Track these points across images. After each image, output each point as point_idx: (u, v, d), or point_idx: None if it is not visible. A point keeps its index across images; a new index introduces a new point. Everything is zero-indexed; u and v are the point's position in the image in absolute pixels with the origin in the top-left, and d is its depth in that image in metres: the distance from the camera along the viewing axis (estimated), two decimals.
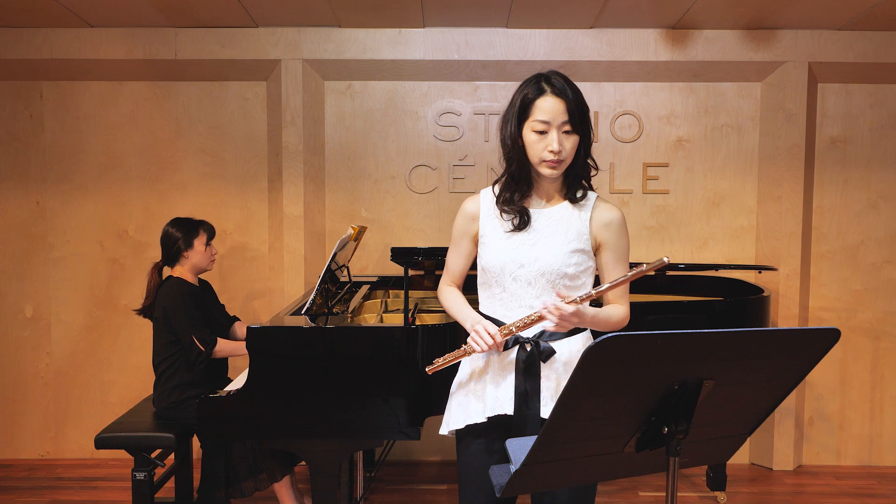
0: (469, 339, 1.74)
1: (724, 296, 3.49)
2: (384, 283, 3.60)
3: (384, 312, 3.02)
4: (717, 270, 3.52)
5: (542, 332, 1.77)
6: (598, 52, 3.61)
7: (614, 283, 1.64)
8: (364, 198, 3.85)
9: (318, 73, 3.74)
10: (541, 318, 1.66)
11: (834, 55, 3.59)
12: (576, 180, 1.80)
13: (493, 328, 1.70)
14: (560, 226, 1.77)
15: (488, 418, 1.76)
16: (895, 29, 3.53)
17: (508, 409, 1.74)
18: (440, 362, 1.80)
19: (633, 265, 1.70)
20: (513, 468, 1.33)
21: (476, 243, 1.86)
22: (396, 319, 2.92)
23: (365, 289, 3.37)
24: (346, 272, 3.30)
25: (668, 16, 3.43)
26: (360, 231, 3.25)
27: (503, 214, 1.80)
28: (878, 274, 3.84)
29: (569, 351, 1.77)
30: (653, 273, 1.58)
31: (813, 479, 3.70)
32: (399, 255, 2.63)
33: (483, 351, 1.71)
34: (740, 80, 3.76)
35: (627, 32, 3.60)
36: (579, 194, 1.79)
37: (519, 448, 1.35)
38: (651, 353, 1.18)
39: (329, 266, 2.72)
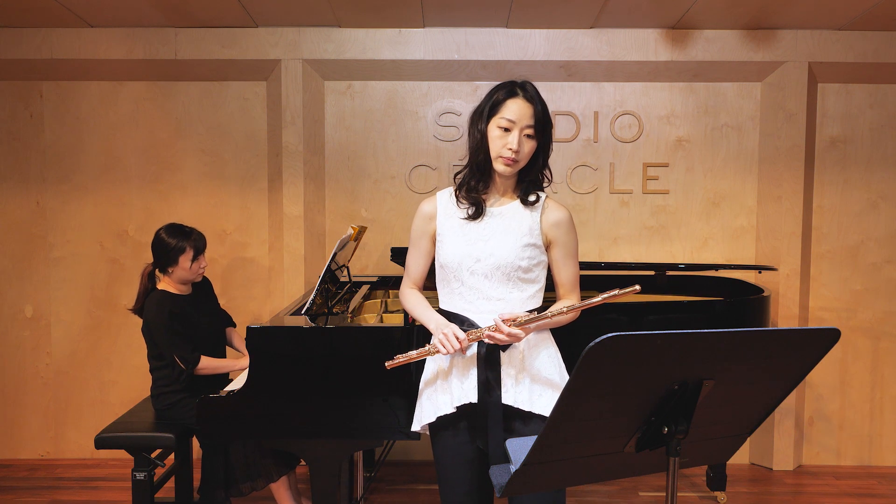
0: (435, 341, 1.81)
1: (724, 296, 3.49)
2: (384, 283, 3.60)
3: (384, 312, 3.02)
4: (717, 270, 3.52)
5: None
6: (598, 52, 3.61)
7: (573, 307, 1.75)
8: (364, 198, 3.85)
9: (318, 73, 3.74)
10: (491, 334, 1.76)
11: (834, 55, 3.59)
12: (530, 185, 1.91)
13: (462, 334, 1.78)
14: (513, 222, 1.88)
15: (456, 408, 1.84)
16: (895, 29, 3.54)
17: (474, 398, 1.83)
18: (402, 359, 1.85)
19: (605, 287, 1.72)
20: (513, 468, 1.33)
21: (434, 242, 1.95)
22: (396, 319, 2.91)
23: (365, 289, 3.37)
24: (346, 272, 3.30)
25: (668, 16, 3.44)
26: (360, 231, 3.25)
27: (459, 203, 1.91)
28: (878, 274, 3.84)
29: (526, 340, 1.86)
30: (617, 300, 1.66)
31: (813, 479, 3.70)
32: (399, 255, 2.63)
33: (447, 354, 1.79)
34: (740, 80, 3.76)
35: (627, 32, 3.60)
36: (532, 198, 1.90)
37: (519, 448, 1.35)
38: (651, 353, 1.18)
39: (329, 266, 2.72)
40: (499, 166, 1.84)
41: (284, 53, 3.63)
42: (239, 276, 3.88)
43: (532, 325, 1.77)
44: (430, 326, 1.89)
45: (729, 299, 3.12)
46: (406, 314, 2.57)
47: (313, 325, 2.44)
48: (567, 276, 1.93)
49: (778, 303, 3.72)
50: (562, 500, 1.87)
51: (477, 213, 1.88)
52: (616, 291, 1.60)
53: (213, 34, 3.59)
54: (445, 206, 1.94)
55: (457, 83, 3.79)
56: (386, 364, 1.86)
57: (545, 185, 1.95)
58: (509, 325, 1.73)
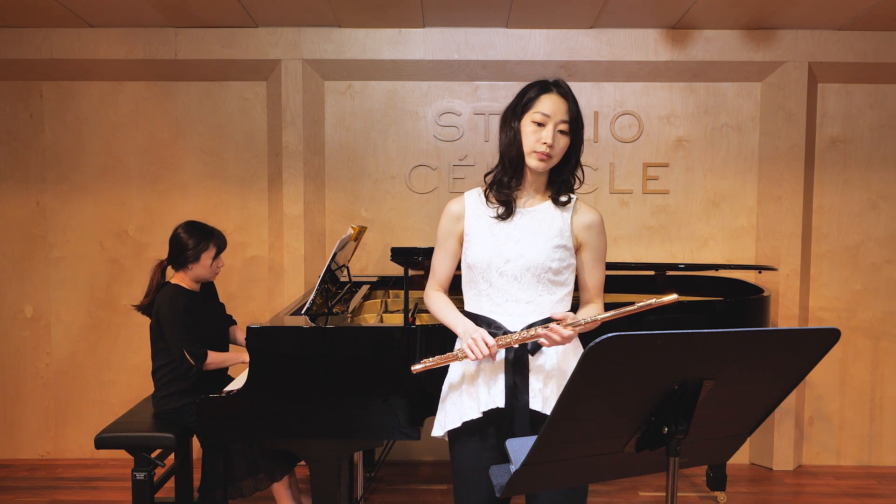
0: (464, 346, 1.76)
1: (724, 296, 3.49)
2: (384, 283, 3.60)
3: (384, 312, 3.02)
4: (717, 270, 3.51)
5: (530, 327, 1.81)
6: (598, 52, 3.61)
7: (620, 312, 1.68)
8: (364, 198, 3.85)
9: (318, 73, 3.74)
10: (535, 337, 1.72)
11: (834, 55, 3.59)
12: (562, 185, 1.88)
13: (491, 339, 1.73)
14: (543, 223, 1.84)
15: (483, 413, 1.80)
16: (895, 29, 3.54)
17: (501, 403, 1.79)
18: (429, 363, 1.81)
19: (636, 301, 1.69)
20: (513, 468, 1.33)
21: (461, 243, 1.91)
22: (396, 319, 2.92)
23: (365, 289, 3.37)
24: (346, 272, 3.30)
25: (668, 16, 3.44)
26: (360, 231, 3.25)
27: (489, 203, 1.87)
28: (878, 274, 3.84)
29: (555, 351, 1.82)
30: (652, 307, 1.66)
31: (813, 479, 3.70)
32: (399, 255, 2.63)
33: (475, 360, 1.75)
34: (740, 80, 3.76)
35: (627, 32, 3.60)
36: (563, 198, 1.87)
37: (519, 448, 1.35)
38: (651, 353, 1.18)
39: (329, 266, 2.72)
40: (532, 162, 1.80)
41: (284, 53, 3.63)
42: (239, 276, 3.88)
43: (578, 329, 1.73)
44: (458, 330, 1.84)
45: (729, 299, 3.12)
46: (406, 314, 2.58)
47: (313, 325, 2.44)
48: (595, 281, 1.90)
49: (778, 303, 3.72)
50: (582, 498, 1.83)
51: (507, 212, 1.84)
52: (654, 300, 1.57)
53: (213, 34, 3.59)
54: (474, 205, 1.89)
55: (457, 83, 3.80)
56: (412, 368, 1.82)
57: (576, 186, 1.90)
58: (564, 327, 1.69)
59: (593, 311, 1.86)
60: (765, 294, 3.18)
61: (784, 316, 3.73)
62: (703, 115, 3.81)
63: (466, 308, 1.90)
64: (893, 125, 3.78)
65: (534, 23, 3.53)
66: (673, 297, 1.57)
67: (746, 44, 3.59)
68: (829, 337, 1.26)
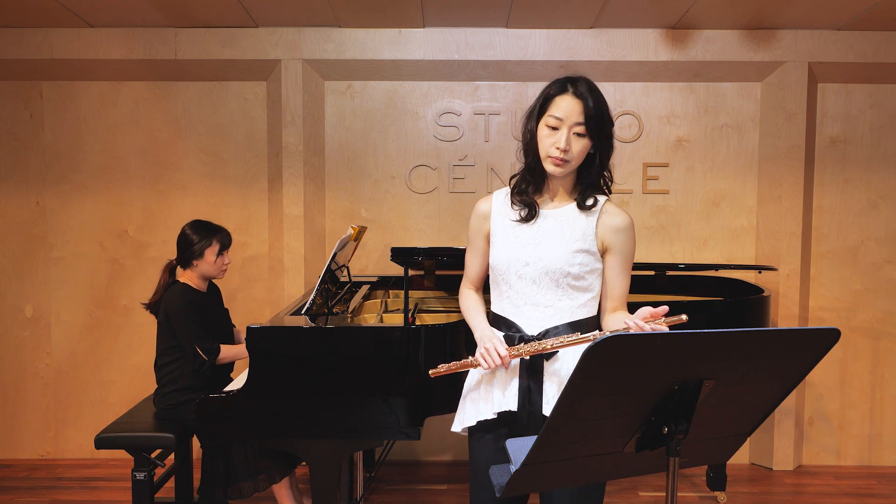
0: (478, 355, 1.76)
1: (723, 296, 3.49)
2: (384, 283, 3.60)
3: (384, 312, 3.02)
4: (717, 270, 3.52)
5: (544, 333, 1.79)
6: (598, 52, 3.61)
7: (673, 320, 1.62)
8: (364, 198, 3.85)
9: (318, 73, 3.74)
10: (551, 349, 1.70)
11: (834, 55, 3.59)
12: (589, 188, 1.81)
13: (504, 350, 1.72)
14: (566, 226, 1.80)
15: (497, 414, 1.80)
16: (895, 29, 3.54)
17: (513, 406, 1.78)
18: (444, 369, 1.81)
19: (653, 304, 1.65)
20: (513, 468, 1.33)
21: (489, 242, 1.90)
22: (396, 319, 2.92)
23: (365, 289, 3.37)
24: (346, 272, 3.30)
25: (668, 16, 3.43)
26: (360, 231, 3.25)
27: (513, 205, 1.84)
28: (878, 274, 3.84)
29: (573, 351, 1.78)
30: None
31: (813, 479, 3.70)
32: (399, 255, 2.63)
33: (488, 369, 1.75)
34: (740, 80, 3.76)
35: (627, 32, 3.60)
36: (590, 202, 1.80)
37: (519, 448, 1.35)
38: (651, 353, 1.18)
39: (329, 266, 2.72)
40: (548, 167, 1.75)
41: (284, 53, 3.63)
42: (239, 276, 3.88)
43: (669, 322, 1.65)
44: (476, 335, 1.84)
45: (729, 299, 3.12)
46: (406, 314, 2.58)
47: (313, 325, 2.44)
48: (619, 290, 1.82)
49: (778, 303, 3.72)
50: (599, 495, 1.82)
51: (529, 215, 1.80)
52: (661, 320, 1.57)
53: (213, 34, 3.59)
54: (500, 206, 1.87)
55: (457, 83, 3.79)
56: (430, 372, 1.82)
57: (604, 187, 1.84)
58: (664, 323, 1.61)
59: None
60: (765, 294, 3.18)
61: (784, 316, 3.73)
62: (703, 115, 3.81)
63: (492, 308, 1.90)
64: (893, 125, 3.78)
65: (534, 23, 3.53)
66: (681, 317, 1.59)
67: (746, 44, 3.59)
68: (829, 337, 1.25)
